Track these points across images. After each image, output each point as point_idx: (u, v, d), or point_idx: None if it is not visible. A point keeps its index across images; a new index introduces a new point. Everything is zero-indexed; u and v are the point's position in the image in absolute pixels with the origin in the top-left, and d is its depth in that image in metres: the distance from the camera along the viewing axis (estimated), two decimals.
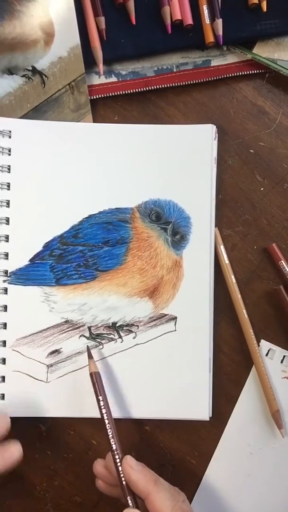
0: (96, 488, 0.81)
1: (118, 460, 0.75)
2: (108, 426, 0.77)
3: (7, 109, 0.87)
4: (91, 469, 0.81)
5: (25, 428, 0.86)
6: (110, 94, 0.90)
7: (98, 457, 0.81)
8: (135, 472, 0.73)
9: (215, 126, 0.88)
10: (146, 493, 0.71)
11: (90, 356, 0.82)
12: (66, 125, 0.88)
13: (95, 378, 0.80)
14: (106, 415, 0.78)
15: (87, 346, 0.85)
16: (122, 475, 0.74)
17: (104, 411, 0.78)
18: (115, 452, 0.75)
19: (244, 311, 0.87)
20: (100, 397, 0.79)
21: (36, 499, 0.86)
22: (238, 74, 0.91)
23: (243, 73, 0.91)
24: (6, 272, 0.85)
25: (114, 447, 0.76)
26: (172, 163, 0.88)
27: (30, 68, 0.87)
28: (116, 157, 0.88)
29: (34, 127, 0.87)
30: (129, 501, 0.73)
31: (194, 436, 0.87)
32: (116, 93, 0.90)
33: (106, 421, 0.77)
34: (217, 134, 0.88)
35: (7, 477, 0.81)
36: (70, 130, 0.88)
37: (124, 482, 0.73)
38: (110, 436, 0.76)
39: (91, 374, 0.80)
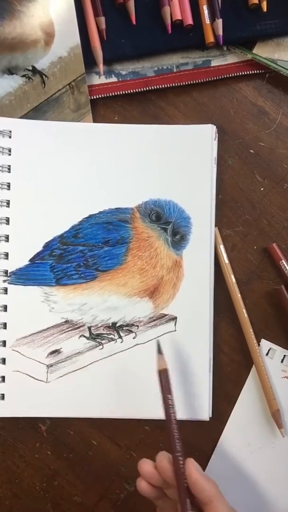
0: (96, 488, 0.82)
1: (181, 462, 0.70)
2: (174, 427, 0.73)
3: (7, 109, 0.87)
4: (91, 469, 0.82)
5: (25, 428, 0.87)
6: (110, 94, 0.90)
7: (98, 457, 0.82)
8: (202, 477, 0.69)
9: (215, 126, 0.88)
10: (211, 498, 0.68)
11: (160, 352, 0.78)
12: (66, 125, 0.88)
13: (163, 376, 0.75)
14: (172, 415, 0.73)
15: (158, 342, 0.81)
16: (184, 477, 0.70)
17: (171, 410, 0.73)
18: (178, 454, 0.71)
19: (244, 311, 0.87)
20: (169, 396, 0.74)
21: (36, 499, 0.86)
22: (238, 74, 0.91)
23: (243, 73, 0.91)
24: (6, 272, 0.85)
25: (178, 448, 0.72)
26: (172, 163, 0.88)
27: (30, 68, 0.87)
28: (116, 157, 0.88)
29: (34, 127, 0.87)
30: (188, 504, 0.68)
31: (194, 436, 0.87)
32: (116, 93, 0.90)
33: (173, 421, 0.73)
34: (217, 134, 0.88)
35: (7, 477, 0.82)
36: (70, 130, 0.88)
37: (183, 486, 0.69)
38: (176, 437, 0.72)
39: (159, 372, 0.76)
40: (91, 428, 0.87)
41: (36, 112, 0.87)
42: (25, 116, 0.87)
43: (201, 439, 0.87)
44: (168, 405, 0.73)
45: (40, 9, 0.86)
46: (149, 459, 0.74)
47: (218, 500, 0.68)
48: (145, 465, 0.73)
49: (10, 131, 0.87)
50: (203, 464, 0.87)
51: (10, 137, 0.87)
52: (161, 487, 0.73)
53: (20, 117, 0.87)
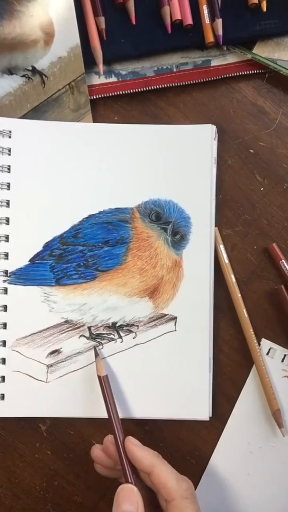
0: (96, 488, 0.82)
1: (120, 440, 0.78)
2: (109, 408, 0.80)
3: (7, 109, 0.87)
4: (91, 469, 0.82)
5: (25, 428, 0.87)
6: (110, 94, 0.90)
7: None
8: (140, 449, 0.76)
9: (214, 126, 0.88)
10: (151, 467, 0.74)
11: (96, 355, 0.84)
12: (65, 125, 0.88)
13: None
14: (108, 397, 0.81)
15: (94, 347, 0.86)
16: (124, 454, 0.77)
17: (106, 391, 0.81)
18: (117, 432, 0.78)
19: (244, 310, 0.87)
20: (103, 377, 0.82)
21: (36, 499, 0.86)
22: (238, 74, 0.91)
23: (243, 73, 0.91)
24: (6, 272, 0.85)
25: (115, 427, 0.79)
26: (172, 163, 0.88)
27: (30, 68, 0.87)
28: (116, 157, 0.88)
29: (34, 127, 0.87)
30: (129, 478, 0.75)
31: (194, 436, 0.87)
32: (116, 93, 0.90)
33: (107, 401, 0.80)
34: (216, 134, 0.88)
35: (7, 477, 0.82)
36: (70, 130, 0.88)
37: (125, 461, 0.76)
38: (112, 417, 0.80)
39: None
40: (91, 428, 0.87)
41: (36, 112, 0.87)
42: (25, 116, 0.87)
43: (201, 438, 0.87)
44: (104, 388, 0.81)
45: (40, 9, 0.86)
46: (99, 444, 0.81)
47: (159, 466, 0.75)
48: (95, 450, 0.81)
49: (10, 131, 0.87)
50: (203, 464, 0.87)
51: (10, 137, 0.87)
52: (114, 468, 0.80)
53: (20, 117, 0.87)
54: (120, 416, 0.82)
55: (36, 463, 0.87)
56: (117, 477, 0.81)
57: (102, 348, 0.86)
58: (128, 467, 0.76)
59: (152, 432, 0.87)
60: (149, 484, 0.76)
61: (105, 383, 0.81)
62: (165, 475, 0.73)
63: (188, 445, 0.87)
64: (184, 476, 0.75)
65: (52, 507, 0.86)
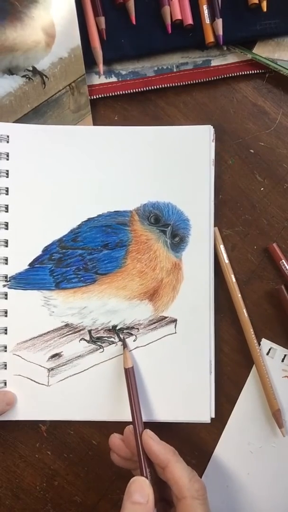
0: (96, 488, 0.82)
1: (139, 432, 0.79)
2: (132, 399, 0.81)
3: (7, 109, 0.87)
4: (91, 469, 0.82)
5: (25, 428, 0.87)
6: (110, 94, 0.90)
7: (98, 457, 0.82)
8: (156, 443, 0.77)
9: (212, 127, 0.88)
10: (166, 462, 0.75)
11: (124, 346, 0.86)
12: (63, 128, 0.88)
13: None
14: (133, 390, 0.82)
15: (123, 338, 0.87)
16: (141, 446, 0.78)
17: (131, 383, 0.82)
18: (137, 424, 0.79)
19: (244, 311, 0.87)
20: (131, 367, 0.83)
21: (36, 499, 0.87)
22: (238, 74, 0.91)
23: (243, 73, 0.91)
24: (5, 276, 0.85)
25: (136, 419, 0.80)
26: (170, 165, 0.88)
27: (31, 69, 0.87)
28: (114, 160, 0.88)
29: (32, 131, 0.87)
30: (144, 470, 0.76)
31: (194, 436, 0.88)
32: (116, 93, 0.90)
33: (132, 395, 0.81)
34: (214, 135, 0.88)
35: (7, 477, 0.82)
36: (68, 133, 0.88)
37: (141, 453, 0.78)
38: (133, 409, 0.81)
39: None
40: (91, 428, 0.87)
41: (36, 113, 0.87)
42: (25, 117, 0.87)
43: (201, 438, 0.88)
44: (130, 379, 0.83)
45: (42, 10, 0.86)
46: (119, 434, 0.82)
47: (174, 463, 0.75)
48: (114, 439, 0.82)
49: (8, 136, 0.87)
50: (203, 464, 0.87)
51: (7, 141, 0.87)
52: (131, 459, 0.81)
53: (20, 117, 0.87)
54: (122, 419, 0.83)
55: (36, 463, 0.87)
56: (131, 469, 0.81)
57: (102, 351, 0.86)
58: (144, 460, 0.77)
59: (152, 432, 0.87)
60: (164, 479, 0.76)
61: (130, 375, 0.82)
62: (178, 472, 0.74)
63: (188, 445, 0.87)
64: (199, 477, 0.75)
65: (52, 507, 0.87)
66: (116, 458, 0.82)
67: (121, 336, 0.87)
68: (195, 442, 0.88)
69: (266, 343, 0.88)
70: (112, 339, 0.86)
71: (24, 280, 0.85)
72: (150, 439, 0.77)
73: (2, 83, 0.87)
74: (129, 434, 0.80)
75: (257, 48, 0.90)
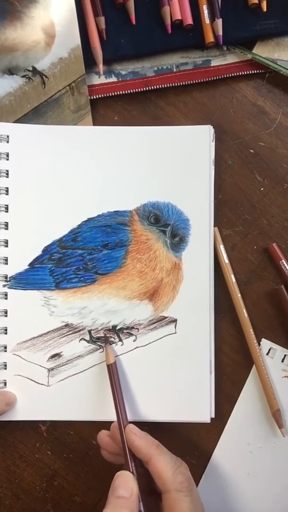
0: (96, 488, 0.82)
1: (123, 427, 0.79)
2: (116, 395, 0.81)
3: (7, 109, 0.87)
4: (91, 469, 0.82)
5: (25, 428, 0.87)
6: (110, 94, 0.90)
7: (98, 457, 0.82)
8: (138, 438, 0.77)
9: (212, 127, 0.88)
10: (148, 457, 0.75)
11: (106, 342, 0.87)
12: (63, 128, 0.88)
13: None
14: (116, 386, 0.82)
15: (106, 336, 0.87)
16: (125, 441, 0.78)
17: (115, 377, 0.82)
18: (121, 420, 0.80)
19: (244, 310, 0.87)
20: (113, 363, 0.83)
21: (36, 499, 0.87)
22: (238, 74, 0.91)
23: (243, 73, 0.91)
24: (5, 276, 0.85)
25: (120, 414, 0.80)
26: (170, 165, 0.88)
27: (31, 69, 0.87)
28: (114, 160, 0.88)
29: (32, 131, 0.87)
30: (129, 465, 0.77)
31: (194, 436, 0.88)
32: (116, 93, 0.90)
33: (116, 391, 0.82)
34: (214, 135, 0.88)
35: (7, 477, 0.82)
36: (68, 133, 0.88)
37: (127, 448, 0.78)
38: (117, 405, 0.81)
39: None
40: (91, 428, 0.87)
41: (36, 113, 0.87)
42: (25, 117, 0.87)
43: (201, 438, 0.88)
44: (113, 375, 0.83)
45: (42, 10, 0.86)
46: (106, 430, 0.82)
47: (157, 456, 0.75)
48: (102, 435, 0.82)
49: (8, 136, 0.87)
50: (203, 464, 0.87)
51: (7, 141, 0.87)
52: (119, 454, 0.80)
53: (20, 118, 0.87)
54: None
55: (36, 463, 0.87)
56: (122, 464, 0.81)
57: (102, 351, 0.86)
58: (129, 454, 0.77)
59: (152, 432, 0.86)
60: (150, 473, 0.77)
61: (113, 371, 0.82)
62: (161, 465, 0.74)
63: (188, 445, 0.87)
64: (184, 469, 0.75)
65: (52, 507, 0.87)
66: (106, 454, 0.82)
67: (104, 333, 0.87)
68: (195, 442, 0.88)
69: (266, 343, 0.88)
70: (112, 339, 0.86)
71: (24, 280, 0.85)
72: (132, 433, 0.78)
73: (2, 83, 0.87)
74: (115, 430, 0.80)
75: (257, 48, 0.90)
